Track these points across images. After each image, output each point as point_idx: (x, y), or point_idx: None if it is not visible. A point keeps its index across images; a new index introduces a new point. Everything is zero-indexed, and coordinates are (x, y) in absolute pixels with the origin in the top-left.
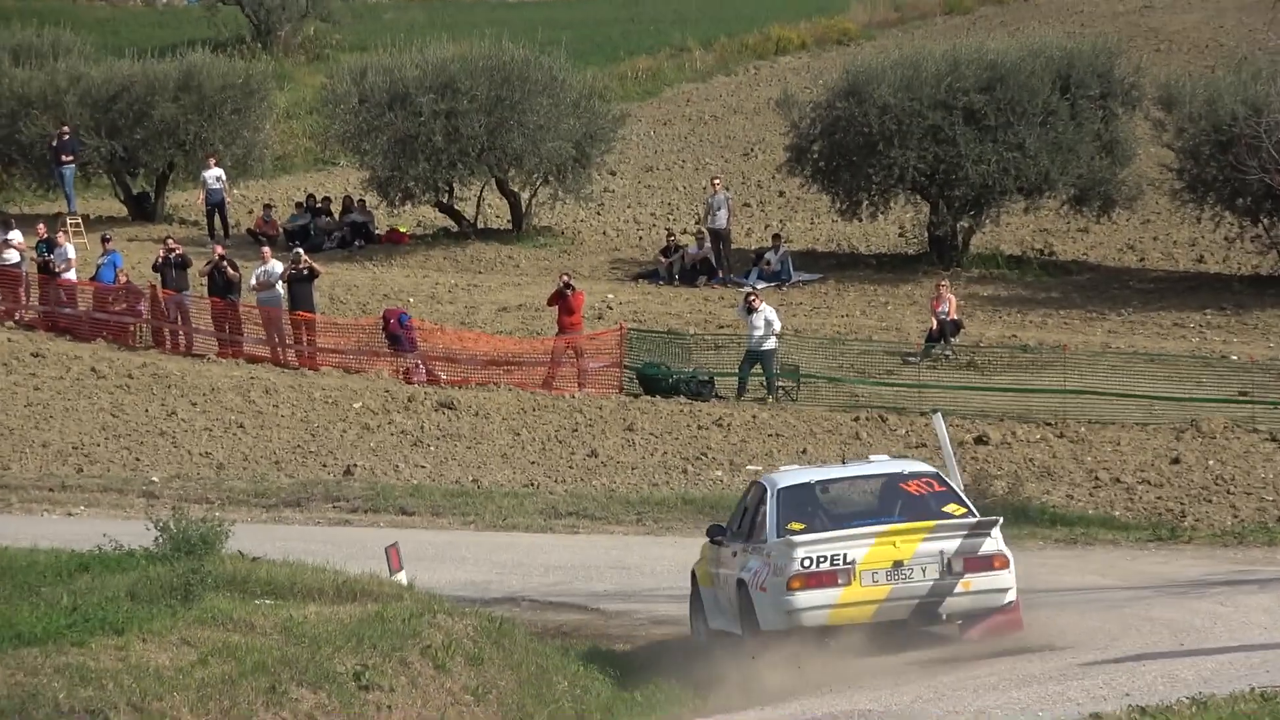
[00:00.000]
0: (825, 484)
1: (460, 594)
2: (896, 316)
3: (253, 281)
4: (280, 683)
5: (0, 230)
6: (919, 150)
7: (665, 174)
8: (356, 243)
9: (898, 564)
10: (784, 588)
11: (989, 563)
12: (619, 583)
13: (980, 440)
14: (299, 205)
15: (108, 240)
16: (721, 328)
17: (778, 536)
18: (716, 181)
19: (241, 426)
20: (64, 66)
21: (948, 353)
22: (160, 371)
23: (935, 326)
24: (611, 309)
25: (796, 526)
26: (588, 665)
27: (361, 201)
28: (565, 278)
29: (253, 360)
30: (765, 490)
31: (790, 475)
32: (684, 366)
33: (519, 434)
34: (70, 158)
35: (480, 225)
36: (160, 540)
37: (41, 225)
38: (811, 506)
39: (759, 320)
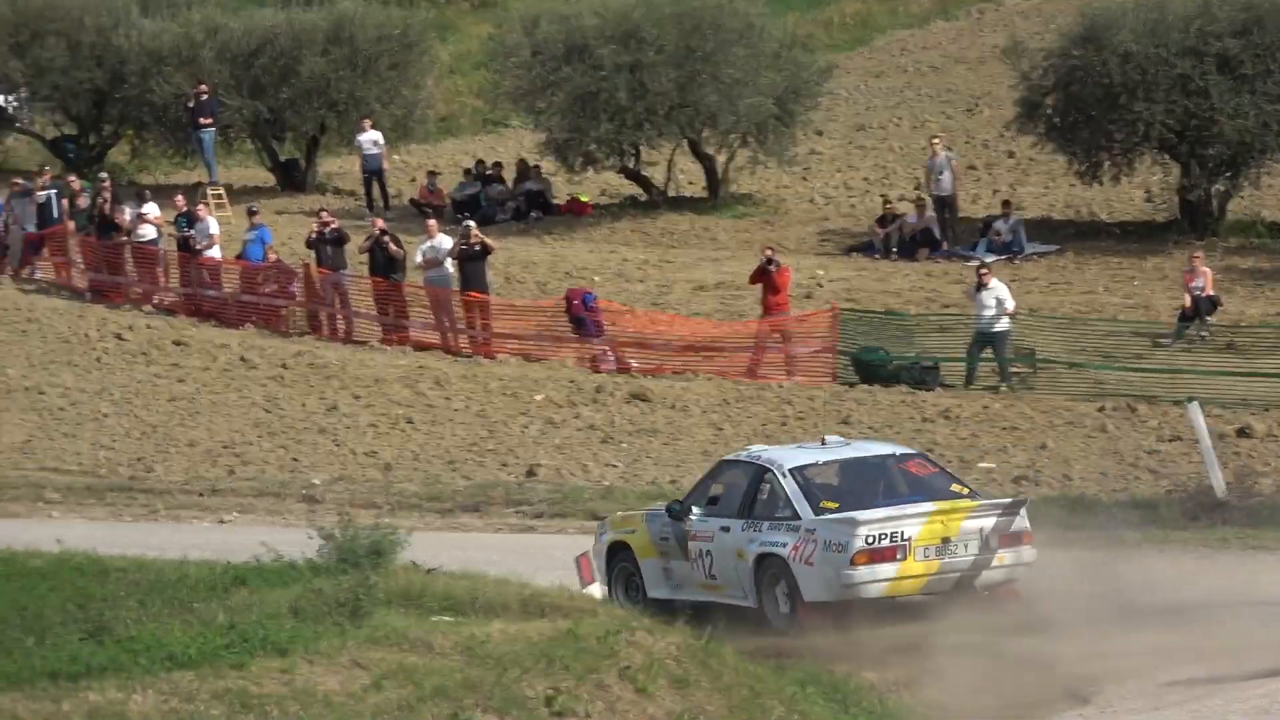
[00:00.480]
0: (834, 465)
1: (660, 608)
2: (1144, 293)
3: (418, 259)
4: (464, 709)
5: (134, 203)
6: (1166, 103)
7: (879, 133)
8: (533, 214)
9: (946, 540)
10: (847, 562)
11: (1019, 539)
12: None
13: (1243, 433)
14: (467, 172)
15: (254, 213)
16: (946, 307)
17: (815, 514)
18: (937, 141)
19: (410, 422)
20: (199, 17)
21: (1204, 333)
22: (317, 360)
23: (1189, 304)
24: (821, 287)
25: (830, 505)
26: (805, 687)
27: (537, 167)
28: (769, 252)
29: (421, 347)
30: (766, 470)
31: (791, 455)
32: (905, 351)
33: (721, 428)
34: (209, 121)
35: (672, 193)
36: (325, 550)
37: (180, 197)
38: (831, 486)
39: (989, 298)
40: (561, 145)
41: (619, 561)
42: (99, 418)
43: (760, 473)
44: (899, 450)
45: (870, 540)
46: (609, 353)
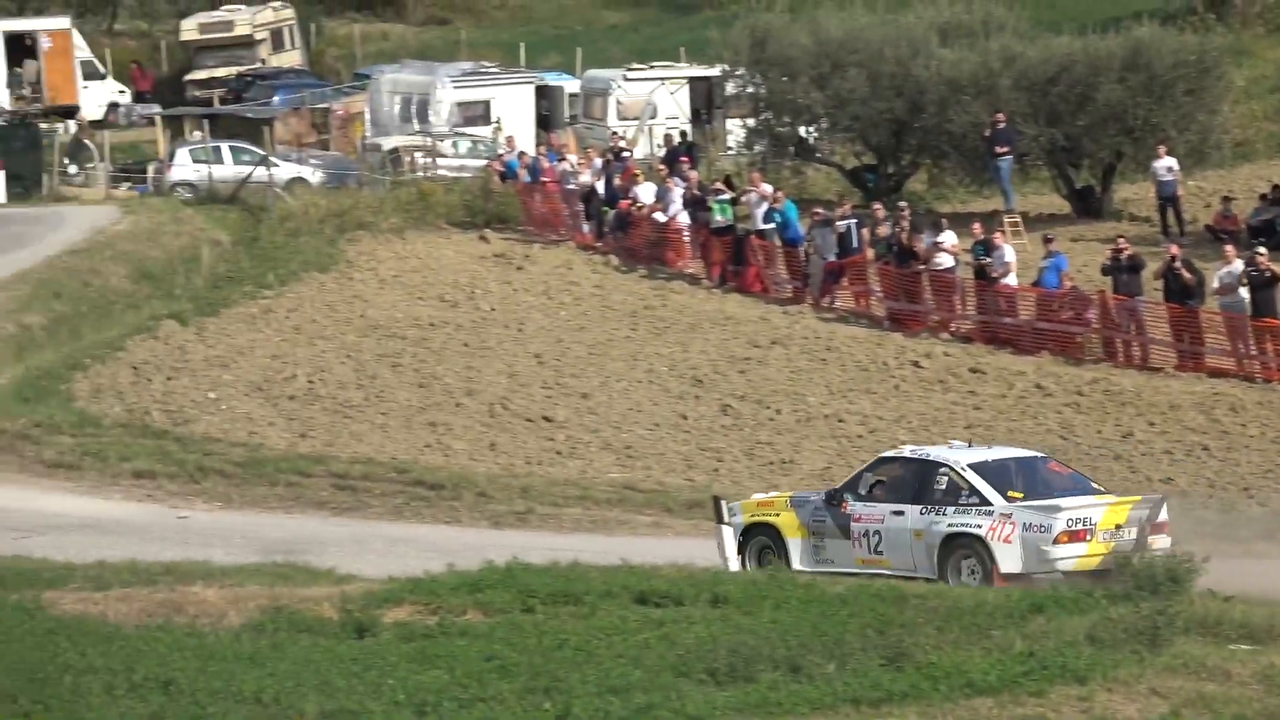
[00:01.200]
0: (1003, 462)
1: None
2: None
3: (1214, 284)
4: None
5: (930, 231)
6: None
7: None
8: None
9: (1118, 527)
10: (1050, 541)
11: (1162, 528)
12: None
13: None
14: (1263, 197)
15: (1050, 240)
16: None
17: (1006, 501)
18: None
19: (1205, 449)
20: (997, 45)
21: None
22: (1113, 387)
23: None
24: None
25: (1016, 495)
26: None
27: None
28: None
29: (1215, 374)
30: (940, 465)
31: (960, 454)
32: None
33: None
34: (1006, 149)
35: None
36: (1120, 577)
37: (977, 225)
38: (1009, 480)
39: None
40: None
41: (754, 539)
42: (894, 445)
43: (933, 467)
44: (1036, 454)
45: (1070, 524)
46: None
